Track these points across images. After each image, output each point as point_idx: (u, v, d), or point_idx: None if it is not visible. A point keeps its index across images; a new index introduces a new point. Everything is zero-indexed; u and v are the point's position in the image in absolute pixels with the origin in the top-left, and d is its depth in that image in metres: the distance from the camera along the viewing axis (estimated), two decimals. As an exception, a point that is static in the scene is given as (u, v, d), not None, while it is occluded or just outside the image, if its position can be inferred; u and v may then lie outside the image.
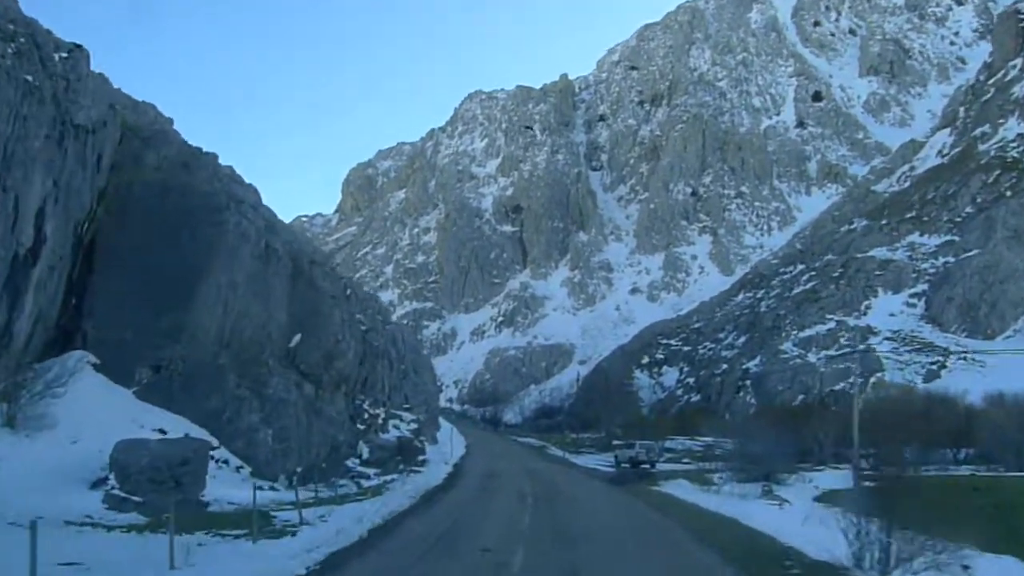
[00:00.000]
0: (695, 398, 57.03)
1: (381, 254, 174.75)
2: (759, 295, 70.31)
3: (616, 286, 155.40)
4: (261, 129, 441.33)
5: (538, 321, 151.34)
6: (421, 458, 41.14)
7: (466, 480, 33.49)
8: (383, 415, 42.97)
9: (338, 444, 34.69)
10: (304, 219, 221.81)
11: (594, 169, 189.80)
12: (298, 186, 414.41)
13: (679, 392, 61.02)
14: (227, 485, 24.33)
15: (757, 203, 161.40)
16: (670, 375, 65.22)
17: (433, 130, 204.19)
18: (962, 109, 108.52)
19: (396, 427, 43.00)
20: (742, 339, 62.47)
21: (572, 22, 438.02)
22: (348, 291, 47.89)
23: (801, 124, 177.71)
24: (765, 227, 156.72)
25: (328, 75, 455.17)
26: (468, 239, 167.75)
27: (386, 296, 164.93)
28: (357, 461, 35.31)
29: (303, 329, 35.96)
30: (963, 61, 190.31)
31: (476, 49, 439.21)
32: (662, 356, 70.07)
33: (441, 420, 65.49)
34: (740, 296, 72.29)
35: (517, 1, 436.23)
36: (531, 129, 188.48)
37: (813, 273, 65.71)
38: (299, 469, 29.07)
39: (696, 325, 71.05)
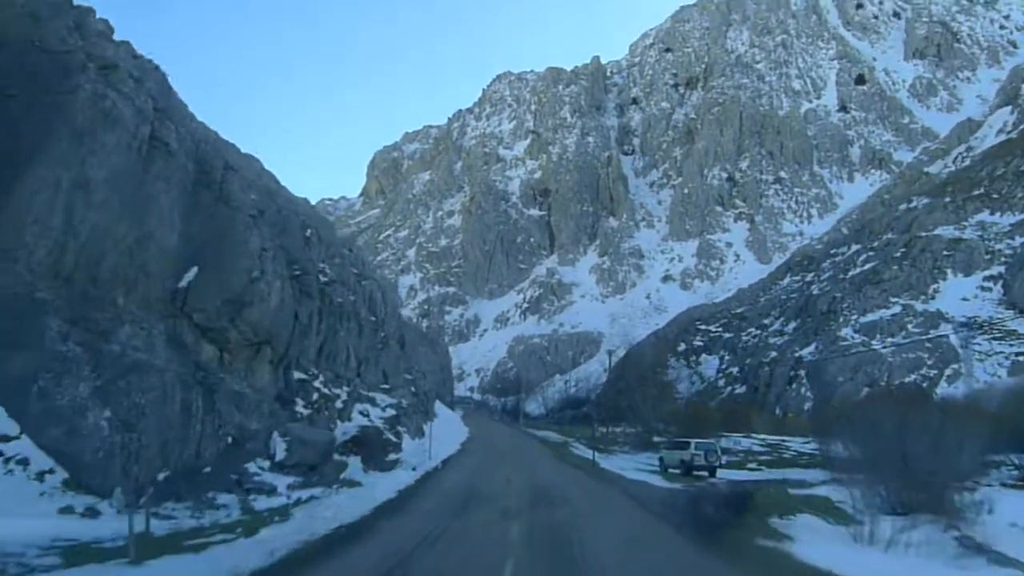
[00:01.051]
0: (739, 389, 51.31)
1: (404, 237, 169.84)
2: (807, 279, 64.03)
3: (647, 273, 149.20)
4: (287, 111, 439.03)
5: (565, 308, 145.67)
6: (392, 457, 31.05)
7: (423, 504, 20.61)
8: (344, 397, 32.34)
9: (244, 437, 23.11)
10: (328, 202, 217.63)
11: (625, 153, 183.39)
12: (324, 169, 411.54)
13: (720, 382, 55.24)
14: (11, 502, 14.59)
15: (797, 189, 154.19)
16: (709, 364, 59.48)
17: (460, 111, 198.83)
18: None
19: (364, 414, 33.43)
20: (792, 325, 56.41)
21: (605, 4, 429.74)
22: (308, 230, 37.74)
23: (843, 108, 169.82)
24: (805, 214, 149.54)
25: (355, 56, 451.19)
26: (494, 223, 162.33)
27: (408, 280, 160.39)
28: (267, 464, 23.16)
29: (203, 261, 24.57)
30: (1014, 45, 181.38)
31: (505, 30, 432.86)
32: (700, 343, 64.23)
33: (447, 409, 59.21)
34: (786, 280, 66.19)
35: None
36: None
37: (871, 253, 59.32)
38: (161, 477, 18.35)
39: (738, 310, 65.11)
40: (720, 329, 65.39)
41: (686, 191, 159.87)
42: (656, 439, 39.54)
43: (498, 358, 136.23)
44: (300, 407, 28.04)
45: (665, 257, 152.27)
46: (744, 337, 60.69)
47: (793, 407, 46.75)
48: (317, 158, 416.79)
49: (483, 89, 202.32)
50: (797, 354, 50.59)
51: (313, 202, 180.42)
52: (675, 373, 60.09)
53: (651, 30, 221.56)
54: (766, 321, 59.88)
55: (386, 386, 38.87)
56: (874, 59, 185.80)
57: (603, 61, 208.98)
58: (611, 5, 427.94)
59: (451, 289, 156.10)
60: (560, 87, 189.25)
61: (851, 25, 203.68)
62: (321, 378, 31.23)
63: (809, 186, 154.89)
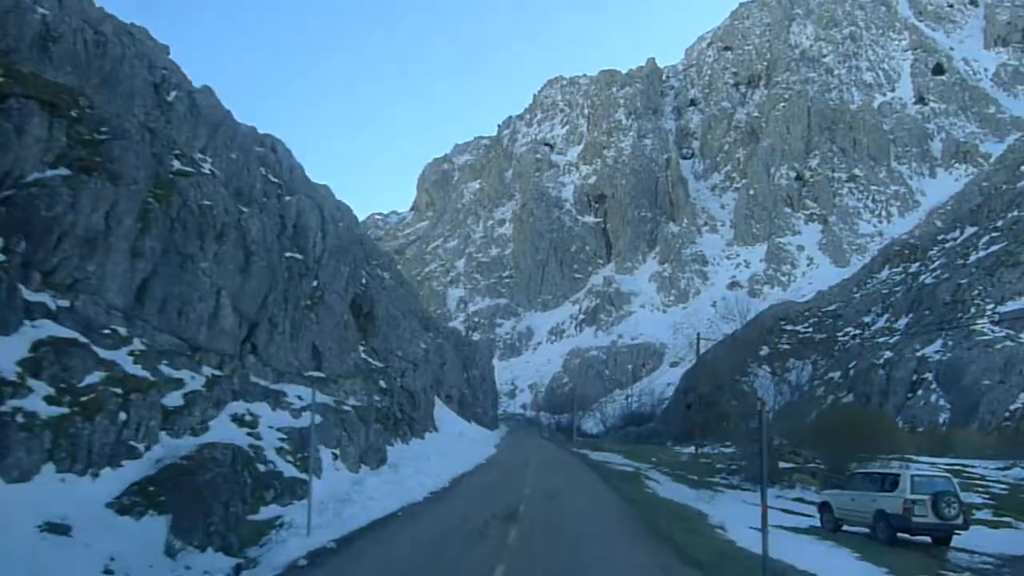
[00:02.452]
0: (845, 397, 42.07)
1: (453, 247, 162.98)
2: (911, 269, 54.46)
3: (712, 280, 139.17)
4: (341, 127, 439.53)
5: (624, 319, 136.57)
6: (273, 511, 15.81)
7: None
8: (197, 386, 17.78)
9: None
10: (378, 216, 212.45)
11: (685, 157, 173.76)
12: (376, 185, 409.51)
13: (819, 391, 45.99)
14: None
15: (873, 187, 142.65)
16: (799, 370, 50.34)
17: (510, 118, 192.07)
18: None
19: (247, 421, 18.69)
20: (903, 321, 47.04)
21: (659, 8, 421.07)
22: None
23: (921, 100, 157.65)
24: (883, 212, 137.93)
25: (404, 69, 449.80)
26: (546, 231, 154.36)
27: (457, 292, 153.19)
28: None
29: None
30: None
31: (555, 36, 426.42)
32: (787, 346, 55.00)
33: (464, 423, 48.79)
34: (884, 273, 56.69)
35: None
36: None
37: (997, 234, 49.63)
38: None
39: (828, 308, 55.69)
40: (810, 329, 55.98)
41: (751, 192, 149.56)
42: (784, 465, 28.34)
43: (552, 373, 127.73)
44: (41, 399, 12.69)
45: (731, 263, 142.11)
46: (841, 337, 51.37)
47: (923, 419, 37.37)
48: (369, 173, 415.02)
49: (534, 95, 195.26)
50: (919, 353, 41.19)
51: (362, 217, 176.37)
52: (758, 381, 51.13)
53: (707, 32, 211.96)
54: (867, 319, 50.52)
55: (318, 373, 24.07)
56: (951, 48, 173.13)
57: (659, 64, 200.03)
58: (665, 9, 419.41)
59: (502, 301, 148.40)
60: (614, 89, 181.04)
61: (924, 15, 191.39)
62: (135, 343, 16.44)
63: (887, 183, 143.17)
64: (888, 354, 43.38)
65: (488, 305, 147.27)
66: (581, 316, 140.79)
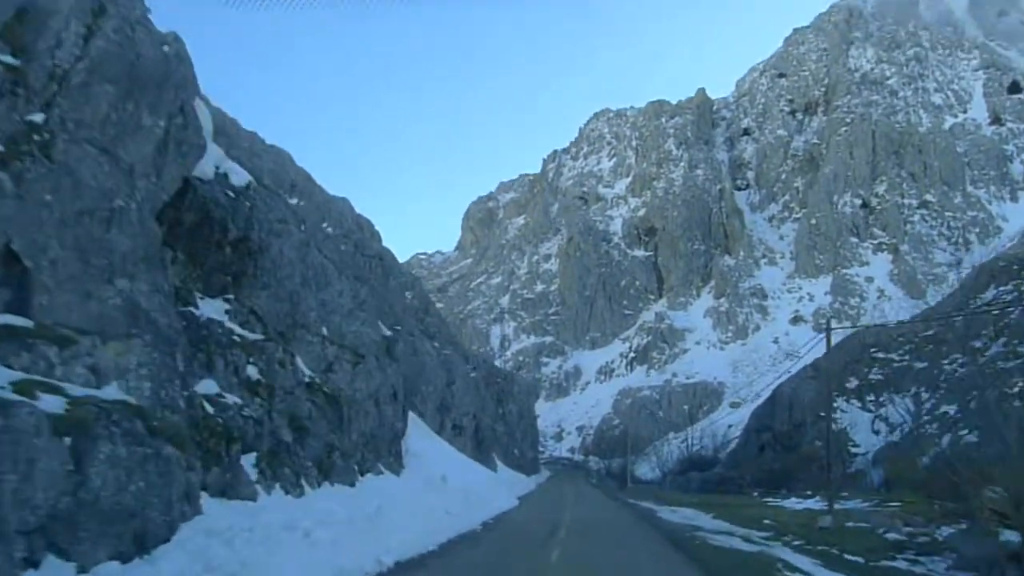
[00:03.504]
0: (967, 436, 33.37)
1: (497, 284, 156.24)
2: (1024, 286, 45.96)
3: (773, 315, 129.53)
4: (385, 170, 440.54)
5: (678, 357, 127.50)
6: None
7: None
8: None
9: None
10: (422, 256, 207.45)
11: (739, 188, 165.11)
12: (421, 225, 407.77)
13: (929, 428, 37.21)
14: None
15: (948, 213, 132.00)
16: (897, 405, 41.73)
17: (555, 152, 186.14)
18: None
19: None
20: None
21: (710, 40, 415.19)
22: None
23: (997, 120, 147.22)
24: (961, 240, 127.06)
25: (451, 108, 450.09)
26: (594, 265, 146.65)
27: (501, 330, 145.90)
28: None
29: None
30: None
31: (601, 70, 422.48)
32: (880, 377, 46.14)
33: (460, 459, 36.43)
34: (989, 292, 47.99)
35: (647, 17, 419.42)
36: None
37: None
38: None
39: (928, 332, 47.05)
40: (907, 357, 47.12)
41: (813, 221, 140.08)
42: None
43: (602, 414, 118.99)
44: None
45: (792, 296, 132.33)
46: (948, 366, 42.63)
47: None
48: (416, 214, 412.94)
49: (580, 128, 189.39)
50: None
51: (407, 257, 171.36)
52: (848, 418, 42.58)
53: (759, 63, 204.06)
54: (978, 344, 41.82)
55: (16, 319, 10.52)
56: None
57: (709, 95, 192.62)
58: (715, 40, 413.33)
59: (548, 338, 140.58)
60: (663, 120, 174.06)
61: (994, 34, 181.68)
62: None
63: (963, 209, 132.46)
64: (1022, 384, 34.65)
65: (533, 343, 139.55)
66: (632, 354, 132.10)
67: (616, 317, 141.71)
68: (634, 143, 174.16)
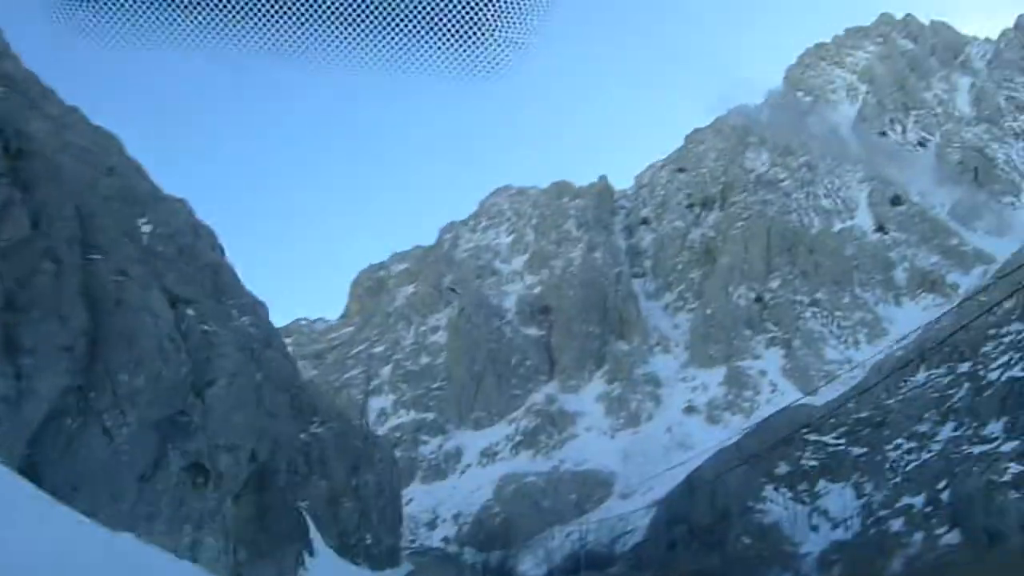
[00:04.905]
0: (946, 534, 27.42)
1: (379, 353, 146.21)
2: (963, 369, 41.61)
3: (666, 404, 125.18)
4: (270, 234, 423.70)
5: (567, 442, 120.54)
6: None
7: None
8: None
9: None
10: (303, 322, 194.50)
11: (636, 276, 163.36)
12: (306, 291, 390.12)
13: (895, 525, 31.14)
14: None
15: (838, 312, 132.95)
16: (836, 496, 35.83)
17: (453, 223, 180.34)
18: None
19: None
20: (995, 427, 33.82)
21: (611, 132, 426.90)
22: None
23: (881, 229, 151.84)
24: (850, 339, 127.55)
25: (346, 175, 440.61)
26: (485, 340, 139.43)
27: (379, 402, 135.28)
28: None
29: None
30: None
31: (506, 146, 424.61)
32: (814, 463, 40.33)
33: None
34: (921, 374, 43.80)
35: (551, 101, 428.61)
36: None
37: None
38: None
39: (861, 415, 42.15)
40: (842, 441, 41.73)
41: (709, 312, 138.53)
42: None
43: (482, 501, 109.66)
44: None
45: (686, 386, 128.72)
46: (892, 452, 37.44)
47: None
48: (303, 280, 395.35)
49: (480, 202, 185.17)
50: None
51: (286, 322, 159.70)
52: (780, 511, 36.29)
53: (658, 161, 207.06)
54: (922, 428, 36.84)
55: None
56: (905, 184, 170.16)
57: (611, 183, 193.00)
58: (616, 133, 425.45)
59: (430, 415, 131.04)
60: (565, 200, 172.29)
61: (875, 152, 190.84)
62: None
63: (852, 309, 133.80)
64: (1015, 468, 29.27)
65: (413, 419, 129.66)
66: (518, 437, 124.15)
67: (504, 397, 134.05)
68: (534, 221, 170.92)
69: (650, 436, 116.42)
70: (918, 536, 29.34)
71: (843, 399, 46.36)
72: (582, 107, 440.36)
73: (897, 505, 33.54)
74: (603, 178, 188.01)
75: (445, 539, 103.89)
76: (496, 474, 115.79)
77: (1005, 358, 41.29)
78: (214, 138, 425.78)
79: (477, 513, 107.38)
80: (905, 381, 44.80)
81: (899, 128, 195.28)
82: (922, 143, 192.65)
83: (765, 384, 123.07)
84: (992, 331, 45.17)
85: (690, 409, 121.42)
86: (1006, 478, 29.25)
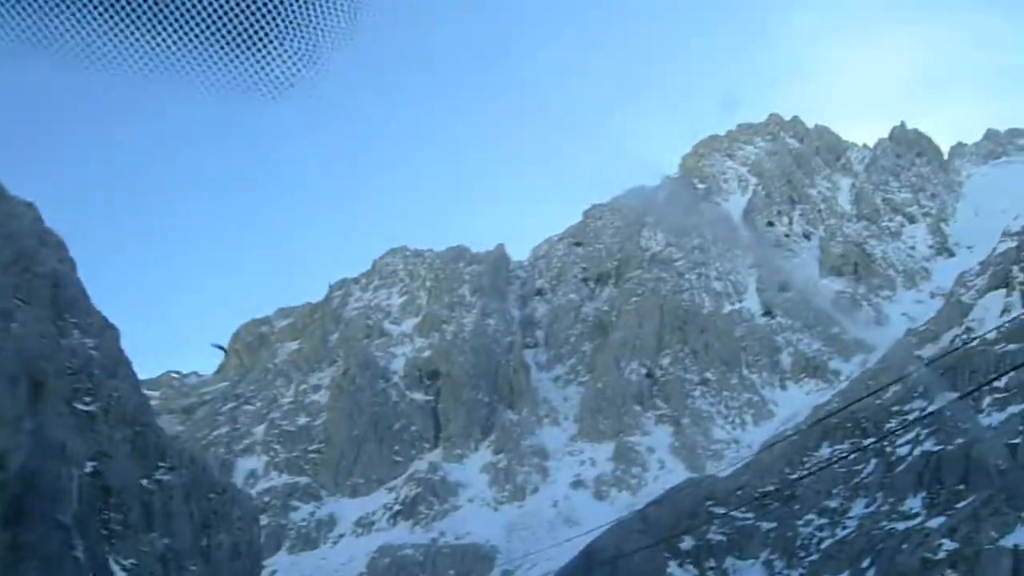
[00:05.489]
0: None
1: (253, 411, 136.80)
2: (865, 443, 40.28)
3: (553, 477, 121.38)
4: (145, 285, 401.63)
5: (448, 514, 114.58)
6: None
7: None
8: None
9: None
10: (175, 375, 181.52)
11: (528, 346, 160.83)
12: (183, 345, 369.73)
13: None
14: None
15: (726, 392, 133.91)
16: (744, 572, 32.83)
17: (344, 280, 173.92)
18: (1016, 267, 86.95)
19: None
20: (912, 502, 31.88)
21: (508, 203, 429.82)
22: None
23: (768, 313, 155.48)
24: (738, 420, 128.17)
25: (229, 227, 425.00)
26: (368, 404, 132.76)
27: (249, 463, 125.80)
28: None
29: None
30: (927, 271, 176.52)
31: (400, 206, 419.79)
32: (721, 538, 37.25)
33: None
34: (824, 449, 42.03)
35: (452, 165, 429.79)
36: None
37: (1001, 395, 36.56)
38: None
39: (767, 488, 39.67)
40: (751, 516, 39.02)
41: (599, 386, 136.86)
42: None
43: (355, 574, 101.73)
44: None
45: (575, 459, 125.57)
46: (804, 528, 34.85)
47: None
48: (179, 332, 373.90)
49: (374, 261, 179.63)
50: (1007, 543, 25.10)
51: (156, 374, 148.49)
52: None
53: (555, 236, 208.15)
54: (832, 504, 34.56)
55: None
56: (791, 272, 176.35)
57: (507, 252, 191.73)
58: (517, 205, 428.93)
59: (303, 479, 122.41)
60: (461, 264, 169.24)
61: (762, 241, 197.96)
62: None
63: (739, 390, 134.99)
64: (948, 544, 26.82)
65: (285, 483, 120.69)
66: (397, 507, 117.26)
67: (385, 463, 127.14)
68: (428, 283, 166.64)
69: (536, 510, 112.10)
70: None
71: (737, 477, 43.96)
72: (482, 174, 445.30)
73: None
74: (500, 246, 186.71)
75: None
76: (371, 545, 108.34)
77: (912, 434, 40.14)
78: (85, 167, 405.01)
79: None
80: (808, 456, 43.04)
81: (786, 220, 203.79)
82: (807, 235, 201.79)
83: (653, 461, 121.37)
84: (896, 407, 44.40)
85: (578, 483, 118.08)
86: (940, 555, 27.00)
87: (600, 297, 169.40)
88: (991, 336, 65.86)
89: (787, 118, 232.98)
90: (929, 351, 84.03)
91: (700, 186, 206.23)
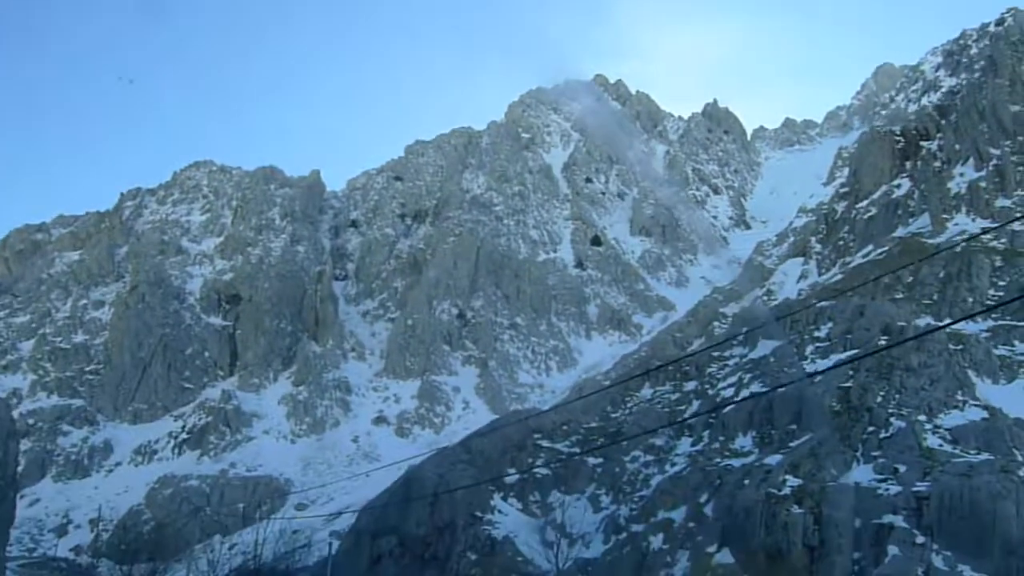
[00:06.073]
0: (716, 553, 23.68)
1: (21, 323, 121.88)
2: (689, 387, 40.60)
3: (356, 413, 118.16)
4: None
5: (240, 444, 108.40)
6: None
7: None
8: None
9: None
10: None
11: (338, 278, 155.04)
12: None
13: (656, 543, 27.15)
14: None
15: (534, 338, 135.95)
16: (578, 509, 31.69)
17: (139, 189, 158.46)
18: (814, 238, 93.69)
19: None
20: (743, 441, 32.10)
21: (329, 133, 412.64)
22: None
23: (580, 265, 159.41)
24: (543, 365, 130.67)
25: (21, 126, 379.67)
26: (158, 325, 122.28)
27: (12, 381, 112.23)
28: None
29: None
30: (726, 240, 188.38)
31: (211, 119, 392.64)
32: (548, 472, 35.95)
33: None
34: (646, 390, 42.02)
35: (269, 83, 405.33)
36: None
37: (833, 343, 37.26)
38: None
39: (590, 424, 38.82)
40: (576, 449, 37.88)
41: (409, 323, 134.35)
42: None
43: (131, 505, 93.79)
44: None
45: (378, 396, 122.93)
46: (631, 464, 34.27)
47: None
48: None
49: (175, 172, 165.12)
50: (853, 482, 25.11)
51: None
52: (512, 523, 31.14)
53: (375, 168, 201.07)
54: (659, 441, 34.35)
55: None
56: (604, 228, 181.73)
57: (323, 180, 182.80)
58: (336, 135, 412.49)
59: (77, 402, 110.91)
60: (273, 187, 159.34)
61: (580, 196, 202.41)
62: None
63: (547, 337, 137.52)
64: (793, 481, 26.69)
65: (55, 404, 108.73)
66: (184, 435, 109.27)
67: (173, 389, 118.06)
68: (234, 203, 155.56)
69: (334, 444, 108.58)
70: (683, 554, 26.13)
71: (575, 398, 43.50)
72: (302, 97, 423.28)
73: (653, 520, 30.35)
74: (316, 172, 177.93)
75: (76, 548, 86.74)
76: (152, 475, 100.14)
77: (734, 378, 41.19)
78: None
79: (123, 519, 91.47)
80: (631, 395, 43.24)
81: (603, 178, 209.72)
82: (620, 195, 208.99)
83: (458, 401, 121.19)
84: (716, 353, 45.68)
85: (380, 419, 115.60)
86: (785, 491, 27.17)
87: (416, 234, 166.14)
88: (804, 294, 70.66)
89: (612, 80, 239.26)
90: (732, 309, 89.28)
91: (524, 135, 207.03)
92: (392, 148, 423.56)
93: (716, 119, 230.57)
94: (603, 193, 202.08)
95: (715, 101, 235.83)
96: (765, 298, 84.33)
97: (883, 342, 37.39)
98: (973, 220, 69.83)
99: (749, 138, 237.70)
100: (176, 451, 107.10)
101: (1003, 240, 62.93)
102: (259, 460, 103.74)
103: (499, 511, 32.91)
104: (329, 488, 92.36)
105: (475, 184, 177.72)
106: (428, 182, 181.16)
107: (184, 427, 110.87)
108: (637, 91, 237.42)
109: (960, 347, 39.88)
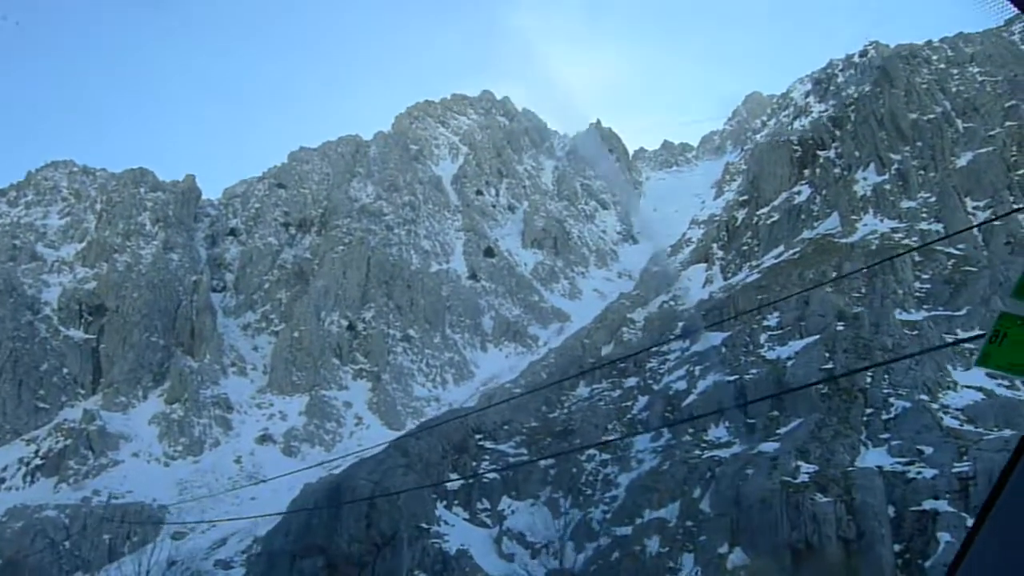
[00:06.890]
0: (728, 554, 19.87)
1: None
2: (629, 383, 37.21)
3: (238, 431, 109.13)
4: None
5: (105, 469, 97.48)
6: None
7: None
8: None
9: None
10: None
11: (215, 290, 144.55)
12: None
13: (648, 547, 22.77)
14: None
15: (428, 351, 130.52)
16: (534, 515, 27.11)
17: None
18: (715, 245, 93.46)
19: None
20: (716, 432, 28.72)
21: (205, 139, 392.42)
22: None
23: (473, 276, 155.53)
24: (439, 378, 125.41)
25: None
26: (9, 338, 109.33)
27: None
28: None
29: None
30: (616, 254, 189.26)
31: (71, 117, 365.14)
32: (495, 476, 31.08)
33: None
34: (582, 389, 38.24)
35: (142, 85, 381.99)
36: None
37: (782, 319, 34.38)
38: None
39: (531, 424, 34.51)
40: (523, 452, 33.29)
41: (296, 335, 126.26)
42: None
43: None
44: None
45: (263, 413, 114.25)
46: (588, 464, 30.07)
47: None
48: None
49: (29, 172, 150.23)
50: (874, 466, 21.62)
51: None
52: (462, 534, 26.32)
53: (254, 177, 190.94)
54: (611, 438, 30.50)
55: None
56: (497, 240, 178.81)
57: (199, 185, 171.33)
58: (213, 142, 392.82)
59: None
60: (143, 190, 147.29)
61: (471, 208, 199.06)
62: None
63: (441, 349, 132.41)
64: (808, 468, 23.02)
65: None
66: (38, 461, 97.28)
67: (25, 410, 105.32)
68: (98, 207, 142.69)
69: (215, 466, 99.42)
70: (687, 557, 22.19)
71: (497, 413, 38.87)
72: (177, 100, 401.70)
73: (639, 521, 26.26)
74: (190, 176, 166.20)
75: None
76: (1, 505, 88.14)
77: (681, 371, 38.07)
78: None
79: (-42, 559, 79.43)
80: (566, 395, 39.46)
81: (493, 191, 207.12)
82: (511, 208, 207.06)
83: (350, 416, 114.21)
84: (654, 349, 42.59)
85: (265, 438, 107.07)
86: (801, 479, 23.57)
87: (302, 243, 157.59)
88: (715, 295, 69.09)
89: (499, 97, 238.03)
90: (640, 314, 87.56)
91: (412, 147, 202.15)
92: (271, 157, 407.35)
93: (601, 138, 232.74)
94: (494, 206, 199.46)
95: (599, 121, 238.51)
96: (672, 303, 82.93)
97: (840, 327, 35.11)
98: (881, 221, 70.68)
99: (631, 158, 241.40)
100: (28, 479, 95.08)
101: (915, 239, 63.65)
102: (127, 486, 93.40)
103: (445, 522, 28.15)
104: (209, 513, 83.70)
105: (363, 193, 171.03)
106: (314, 190, 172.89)
107: (38, 452, 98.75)
108: (524, 108, 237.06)
109: (916, 332, 38.40)
